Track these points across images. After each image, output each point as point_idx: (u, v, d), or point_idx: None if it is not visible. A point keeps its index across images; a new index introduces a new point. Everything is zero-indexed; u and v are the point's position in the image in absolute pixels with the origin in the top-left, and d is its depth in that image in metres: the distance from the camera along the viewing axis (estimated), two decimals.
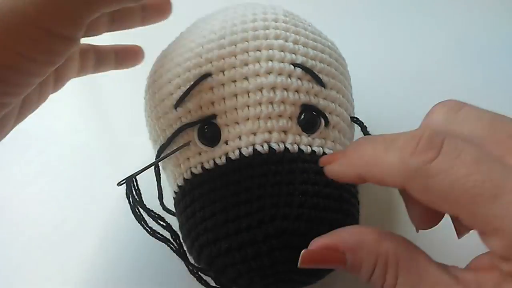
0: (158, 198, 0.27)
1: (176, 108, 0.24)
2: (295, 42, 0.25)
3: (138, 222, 0.25)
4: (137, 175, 0.24)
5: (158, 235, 0.26)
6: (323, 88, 0.24)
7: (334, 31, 0.31)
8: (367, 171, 0.19)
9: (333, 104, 0.25)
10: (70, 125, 0.39)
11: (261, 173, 0.22)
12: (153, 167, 0.25)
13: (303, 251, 0.19)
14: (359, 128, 0.27)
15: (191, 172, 0.24)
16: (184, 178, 0.24)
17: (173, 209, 0.26)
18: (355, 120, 0.27)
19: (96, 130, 0.41)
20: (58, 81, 0.27)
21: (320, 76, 0.24)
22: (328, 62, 0.25)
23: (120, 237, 0.32)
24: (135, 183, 0.25)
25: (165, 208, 0.28)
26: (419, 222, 0.20)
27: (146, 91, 0.28)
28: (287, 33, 0.25)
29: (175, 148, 0.24)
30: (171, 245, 0.26)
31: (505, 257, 0.16)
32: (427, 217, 0.20)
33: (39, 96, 0.26)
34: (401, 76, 0.40)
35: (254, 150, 0.22)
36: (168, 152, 0.24)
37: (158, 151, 0.25)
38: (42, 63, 0.21)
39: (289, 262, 0.21)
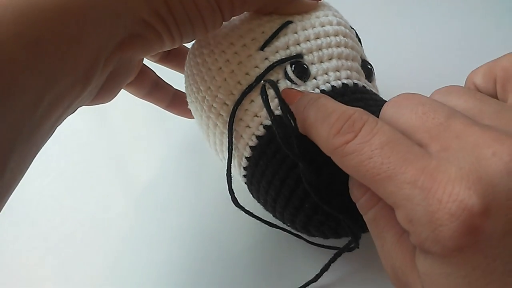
0: (228, 161, 0.26)
1: (263, 49, 0.26)
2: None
3: (286, 148, 0.22)
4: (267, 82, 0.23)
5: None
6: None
7: None
8: (307, 133, 0.21)
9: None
10: (70, 125, 0.39)
11: (354, 99, 0.24)
12: (260, 92, 0.24)
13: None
14: None
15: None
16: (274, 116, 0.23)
17: None
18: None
19: (96, 130, 0.40)
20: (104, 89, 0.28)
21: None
22: None
23: (121, 236, 0.32)
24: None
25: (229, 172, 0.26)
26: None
27: (205, 59, 0.28)
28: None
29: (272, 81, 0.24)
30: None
31: (405, 228, 0.17)
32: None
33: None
34: (403, 73, 0.42)
35: (342, 83, 0.25)
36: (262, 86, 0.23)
37: (243, 92, 0.25)
38: (201, 27, 0.24)
39: None
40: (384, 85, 0.38)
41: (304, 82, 0.25)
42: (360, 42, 0.30)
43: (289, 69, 0.25)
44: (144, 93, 0.33)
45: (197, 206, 0.34)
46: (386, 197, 0.17)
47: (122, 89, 0.31)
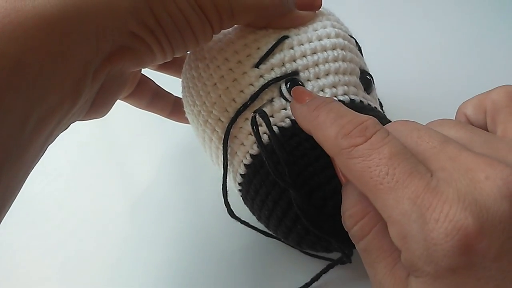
0: (223, 175, 0.27)
1: (258, 67, 0.25)
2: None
3: (274, 175, 0.23)
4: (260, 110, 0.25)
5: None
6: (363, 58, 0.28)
7: None
8: (314, 132, 0.21)
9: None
10: (71, 126, 0.39)
11: None
12: (250, 122, 0.25)
13: None
14: None
15: (278, 127, 0.24)
16: (274, 129, 0.24)
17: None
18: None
19: (96, 131, 0.40)
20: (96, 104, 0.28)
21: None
22: None
23: (121, 236, 0.33)
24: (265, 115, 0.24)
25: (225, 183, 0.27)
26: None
27: (200, 73, 0.28)
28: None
29: (262, 104, 0.25)
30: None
31: (396, 244, 0.17)
32: None
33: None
34: (404, 76, 0.42)
35: (339, 100, 0.24)
36: (258, 107, 0.25)
37: (237, 111, 0.25)
38: (192, 39, 0.24)
39: None
40: (383, 85, 0.38)
41: None
42: (361, 51, 0.30)
43: (283, 88, 0.25)
44: (145, 104, 0.33)
45: (194, 207, 0.34)
46: (383, 209, 0.17)
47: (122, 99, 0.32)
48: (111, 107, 0.26)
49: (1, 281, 0.30)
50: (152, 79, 0.34)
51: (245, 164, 0.25)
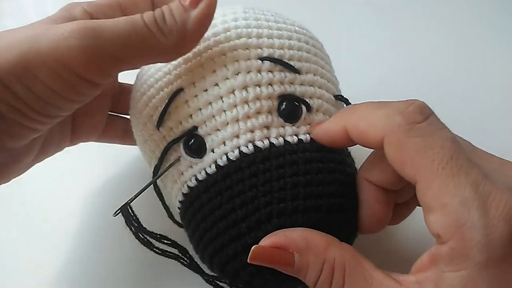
0: (169, 216, 0.27)
1: (158, 129, 0.24)
2: (259, 36, 0.24)
3: (145, 246, 0.25)
4: (131, 201, 0.25)
5: (168, 253, 0.26)
6: (297, 74, 0.24)
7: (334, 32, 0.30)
8: (354, 124, 0.20)
9: (312, 87, 0.24)
10: None
11: (251, 174, 0.22)
12: (153, 188, 0.26)
13: (253, 246, 0.20)
14: None
15: (188, 186, 0.24)
16: (182, 193, 0.25)
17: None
18: (340, 98, 0.26)
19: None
20: (74, 134, 0.29)
21: (292, 63, 0.24)
22: (298, 47, 0.25)
23: (121, 236, 0.31)
24: (130, 209, 0.25)
25: (176, 222, 0.28)
26: (366, 222, 0.22)
27: (131, 119, 0.28)
28: (249, 29, 0.24)
29: (167, 166, 0.25)
30: (182, 261, 0.26)
31: (443, 236, 0.17)
32: (375, 219, 0.22)
33: (58, 143, 0.29)
34: (399, 76, 0.41)
35: (240, 152, 0.22)
36: (160, 172, 0.25)
37: (153, 172, 0.25)
38: (68, 100, 0.22)
39: None
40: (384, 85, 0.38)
41: (201, 158, 0.23)
42: (291, 68, 0.24)
43: (181, 149, 0.24)
44: (119, 140, 0.33)
45: None
46: (438, 195, 0.17)
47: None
48: (22, 170, 0.26)
49: (1, 281, 0.30)
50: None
51: (179, 201, 0.25)
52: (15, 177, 0.26)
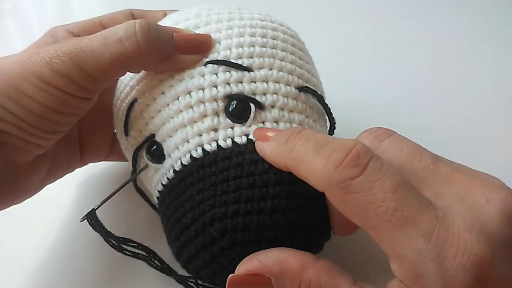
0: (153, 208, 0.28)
1: (127, 136, 0.26)
2: None
3: (115, 249, 0.26)
4: (97, 208, 0.26)
5: (140, 255, 0.27)
6: (246, 72, 0.23)
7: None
8: (294, 166, 0.19)
9: (265, 83, 0.24)
10: None
11: (199, 178, 0.22)
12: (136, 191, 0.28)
13: (229, 276, 0.20)
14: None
15: (157, 191, 0.25)
16: (156, 197, 0.26)
17: None
18: (305, 89, 0.25)
19: None
20: (83, 154, 0.31)
21: (240, 61, 0.24)
22: (250, 43, 0.24)
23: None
24: (95, 215, 0.26)
25: None
26: (337, 228, 0.22)
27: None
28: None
29: (135, 173, 0.26)
30: (151, 262, 0.27)
31: (405, 283, 0.16)
32: (346, 225, 0.21)
33: (68, 163, 0.30)
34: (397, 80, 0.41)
35: (191, 156, 0.23)
36: (127, 180, 0.26)
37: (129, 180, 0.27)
38: (63, 114, 0.24)
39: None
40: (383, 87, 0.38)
41: (162, 163, 0.24)
42: (236, 66, 0.23)
43: (144, 156, 0.25)
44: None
45: None
46: (392, 247, 0.16)
47: None
48: (33, 191, 0.27)
49: (1, 281, 0.30)
50: None
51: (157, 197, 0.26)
52: (27, 198, 0.27)
